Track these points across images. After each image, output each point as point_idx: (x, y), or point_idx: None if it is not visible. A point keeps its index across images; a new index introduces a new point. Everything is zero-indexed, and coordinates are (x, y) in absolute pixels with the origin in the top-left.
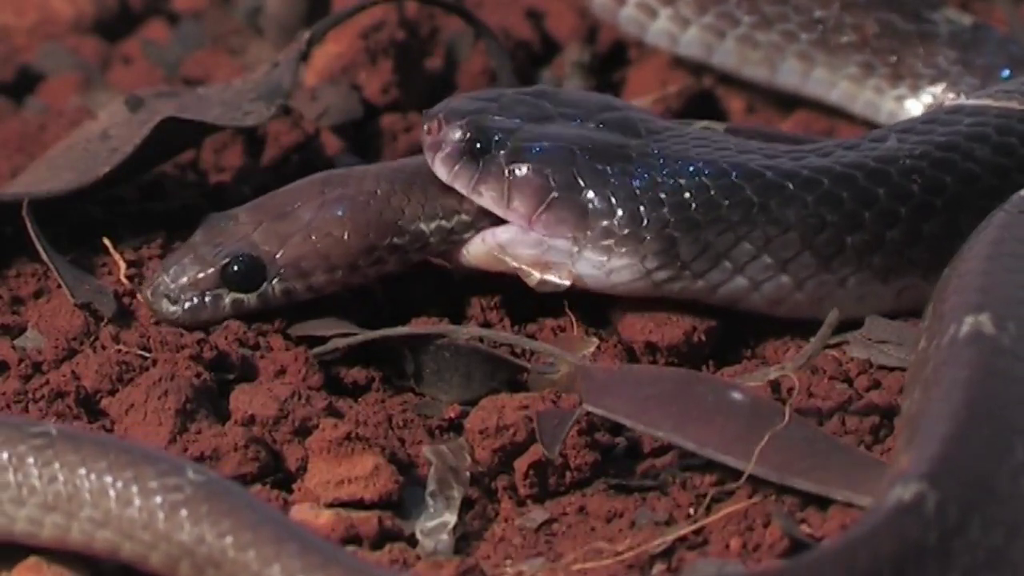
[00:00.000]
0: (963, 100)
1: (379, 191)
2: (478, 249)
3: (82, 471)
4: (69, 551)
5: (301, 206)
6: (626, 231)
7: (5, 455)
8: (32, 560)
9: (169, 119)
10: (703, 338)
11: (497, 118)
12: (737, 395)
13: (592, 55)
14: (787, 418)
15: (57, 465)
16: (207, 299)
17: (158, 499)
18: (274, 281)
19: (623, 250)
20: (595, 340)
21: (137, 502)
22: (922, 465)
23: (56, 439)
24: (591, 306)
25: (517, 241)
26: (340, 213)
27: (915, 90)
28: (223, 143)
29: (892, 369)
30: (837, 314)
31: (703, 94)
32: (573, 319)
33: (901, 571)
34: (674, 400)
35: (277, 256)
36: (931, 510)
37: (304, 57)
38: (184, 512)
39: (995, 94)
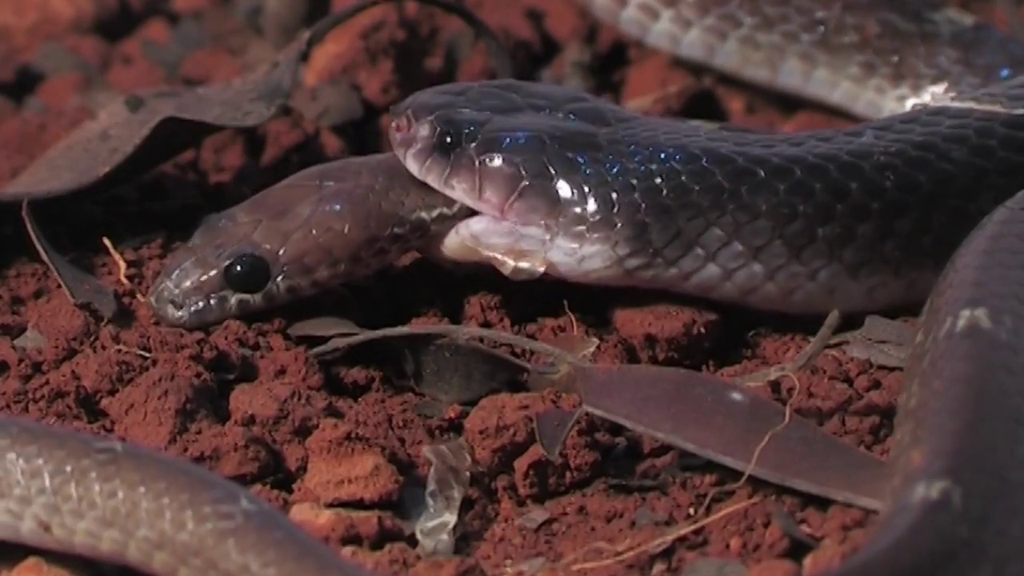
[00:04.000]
0: (948, 102)
1: (377, 184)
2: (452, 240)
3: (141, 490)
4: (129, 568)
5: (299, 202)
6: (597, 217)
7: (69, 468)
8: (32, 560)
9: (169, 119)
10: (703, 331)
11: (465, 111)
12: (737, 395)
13: (592, 55)
14: (787, 418)
15: (117, 482)
16: (212, 302)
17: (209, 525)
18: (278, 279)
19: (595, 236)
20: (595, 340)
21: (190, 526)
22: (942, 462)
23: (120, 456)
24: (591, 306)
25: (490, 231)
26: (339, 207)
27: (916, 90)
28: (223, 143)
29: (892, 369)
30: (837, 315)
31: (703, 94)
32: (573, 319)
33: (942, 566)
34: (674, 401)
35: (280, 254)
36: (959, 505)
37: (304, 57)
38: (232, 541)
39: (980, 97)
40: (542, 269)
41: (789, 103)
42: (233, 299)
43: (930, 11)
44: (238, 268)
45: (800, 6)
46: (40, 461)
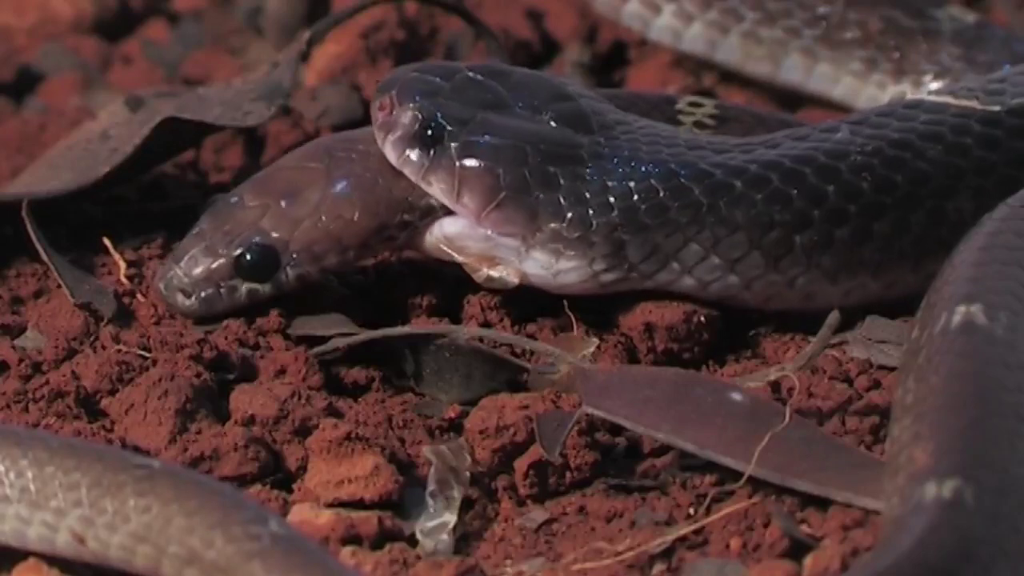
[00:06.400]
0: (923, 96)
1: (386, 168)
2: (427, 240)
3: (174, 507)
4: None
5: (308, 186)
6: (575, 235)
7: (105, 482)
8: (32, 561)
9: (169, 119)
10: (703, 320)
11: (451, 103)
12: (737, 396)
13: (592, 55)
14: (787, 418)
15: (152, 498)
16: (222, 291)
17: (236, 546)
18: (288, 268)
19: (571, 253)
20: (595, 340)
21: (219, 545)
22: (950, 460)
23: (157, 472)
24: (591, 306)
25: (464, 235)
26: (349, 193)
27: (918, 86)
28: (223, 143)
29: (892, 369)
30: (837, 315)
31: (704, 94)
32: (573, 319)
33: (965, 565)
34: (674, 401)
35: (289, 242)
36: (971, 503)
37: (304, 57)
38: (258, 562)
39: (957, 92)
40: (516, 281)
41: (790, 102)
42: (243, 288)
43: (932, 8)
44: (248, 257)
45: (803, 1)
46: (78, 474)
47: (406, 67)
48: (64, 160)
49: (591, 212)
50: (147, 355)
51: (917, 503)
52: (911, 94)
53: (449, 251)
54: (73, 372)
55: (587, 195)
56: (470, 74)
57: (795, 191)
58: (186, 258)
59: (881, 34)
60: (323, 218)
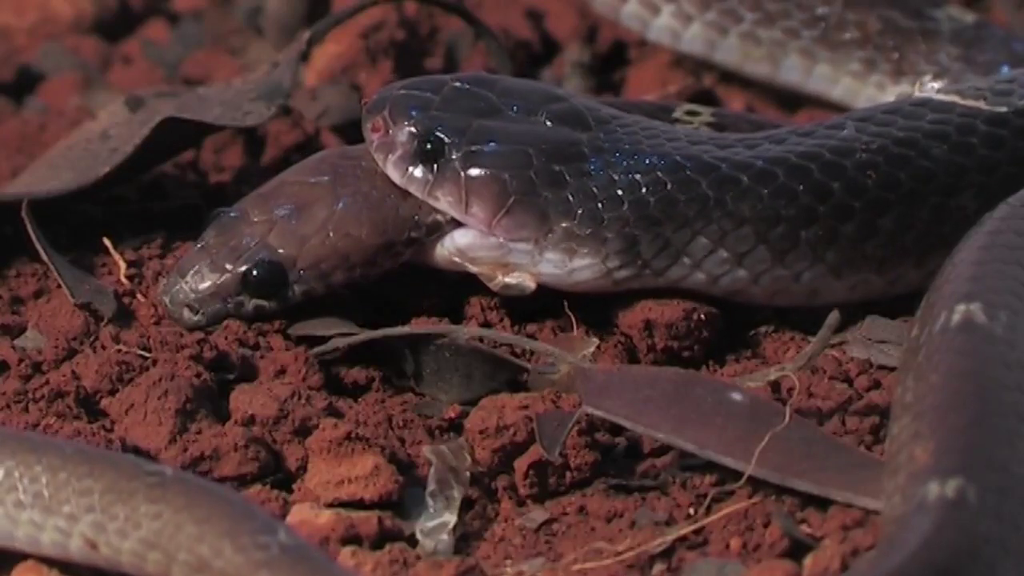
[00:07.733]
0: (931, 94)
1: (392, 185)
2: (438, 252)
3: (184, 515)
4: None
5: (314, 203)
6: (588, 231)
7: (117, 489)
8: (31, 562)
9: (169, 119)
10: (703, 318)
11: (446, 115)
12: (737, 396)
13: (592, 55)
14: (787, 418)
15: (163, 505)
16: (229, 306)
17: (245, 555)
18: (295, 284)
19: (585, 250)
20: (595, 340)
21: (227, 553)
22: (951, 459)
23: (169, 480)
24: (591, 306)
25: (477, 245)
26: (357, 211)
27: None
28: (223, 143)
29: (892, 369)
30: (837, 315)
31: (703, 94)
32: (573, 319)
33: (971, 564)
34: (674, 401)
35: (297, 259)
36: (974, 502)
37: (304, 57)
38: (265, 572)
39: (964, 91)
40: (533, 286)
41: (790, 102)
42: (250, 304)
43: (931, 8)
44: (255, 273)
45: (801, 2)
46: (90, 481)
47: (391, 86)
48: (64, 160)
49: (601, 207)
50: (147, 355)
51: (920, 502)
52: (911, 94)
53: (462, 263)
54: (73, 372)
55: (595, 190)
56: (457, 84)
57: (801, 187)
58: (192, 272)
59: (880, 35)
60: (331, 235)
